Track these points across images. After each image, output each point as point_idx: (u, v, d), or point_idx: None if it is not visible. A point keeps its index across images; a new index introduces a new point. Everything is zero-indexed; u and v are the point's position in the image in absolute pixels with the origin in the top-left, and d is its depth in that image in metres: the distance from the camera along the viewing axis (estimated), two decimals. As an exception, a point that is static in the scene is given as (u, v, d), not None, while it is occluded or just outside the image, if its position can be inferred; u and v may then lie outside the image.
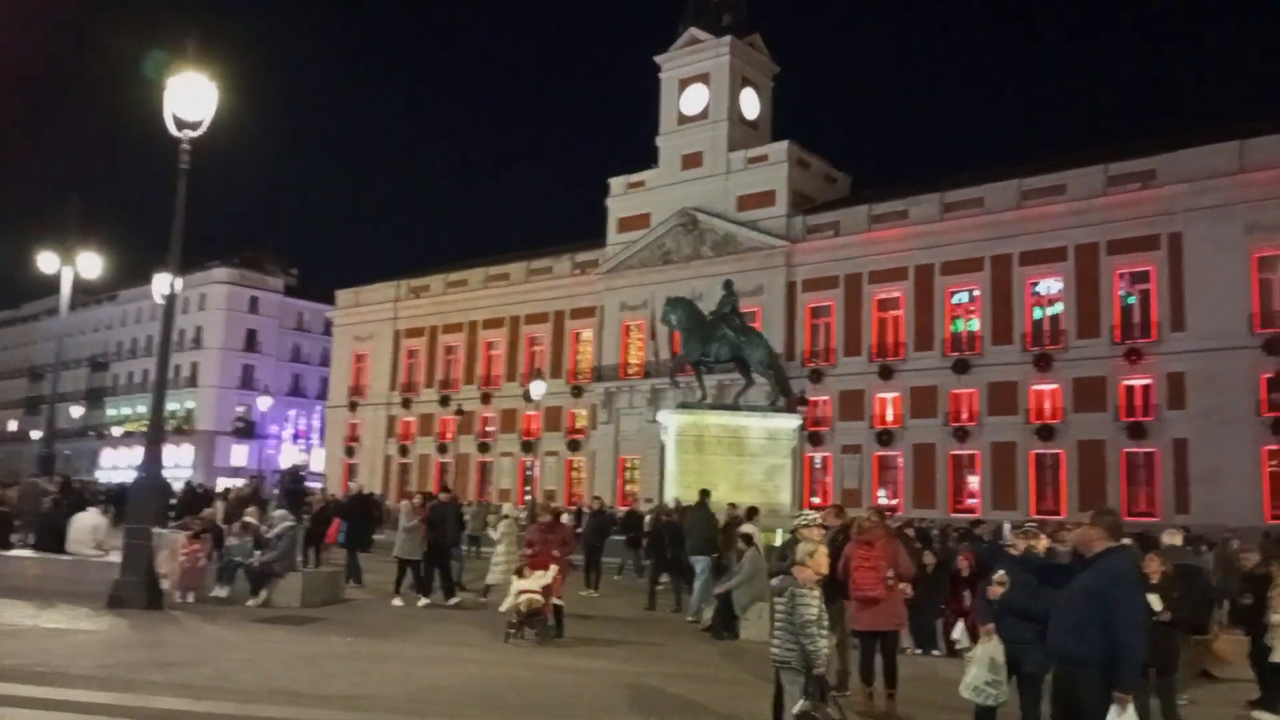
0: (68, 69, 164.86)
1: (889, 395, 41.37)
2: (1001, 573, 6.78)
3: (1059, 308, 38.17)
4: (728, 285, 29.07)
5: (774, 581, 7.75)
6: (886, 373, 41.07)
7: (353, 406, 59.26)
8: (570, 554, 12.72)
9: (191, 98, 12.71)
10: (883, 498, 39.55)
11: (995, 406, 38.53)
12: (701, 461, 26.37)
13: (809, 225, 44.28)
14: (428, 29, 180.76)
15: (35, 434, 74.82)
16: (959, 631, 11.76)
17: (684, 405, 28.57)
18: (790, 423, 27.19)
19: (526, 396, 48.21)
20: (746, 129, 48.19)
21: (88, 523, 14.98)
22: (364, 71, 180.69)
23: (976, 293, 39.94)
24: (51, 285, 36.58)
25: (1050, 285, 38.54)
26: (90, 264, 28.48)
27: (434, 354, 56.70)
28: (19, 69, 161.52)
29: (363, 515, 19.42)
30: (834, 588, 8.37)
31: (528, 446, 51.13)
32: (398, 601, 14.29)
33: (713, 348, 26.94)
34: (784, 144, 46.07)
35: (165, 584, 12.36)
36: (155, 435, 13.02)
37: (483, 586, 15.06)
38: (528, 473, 50.48)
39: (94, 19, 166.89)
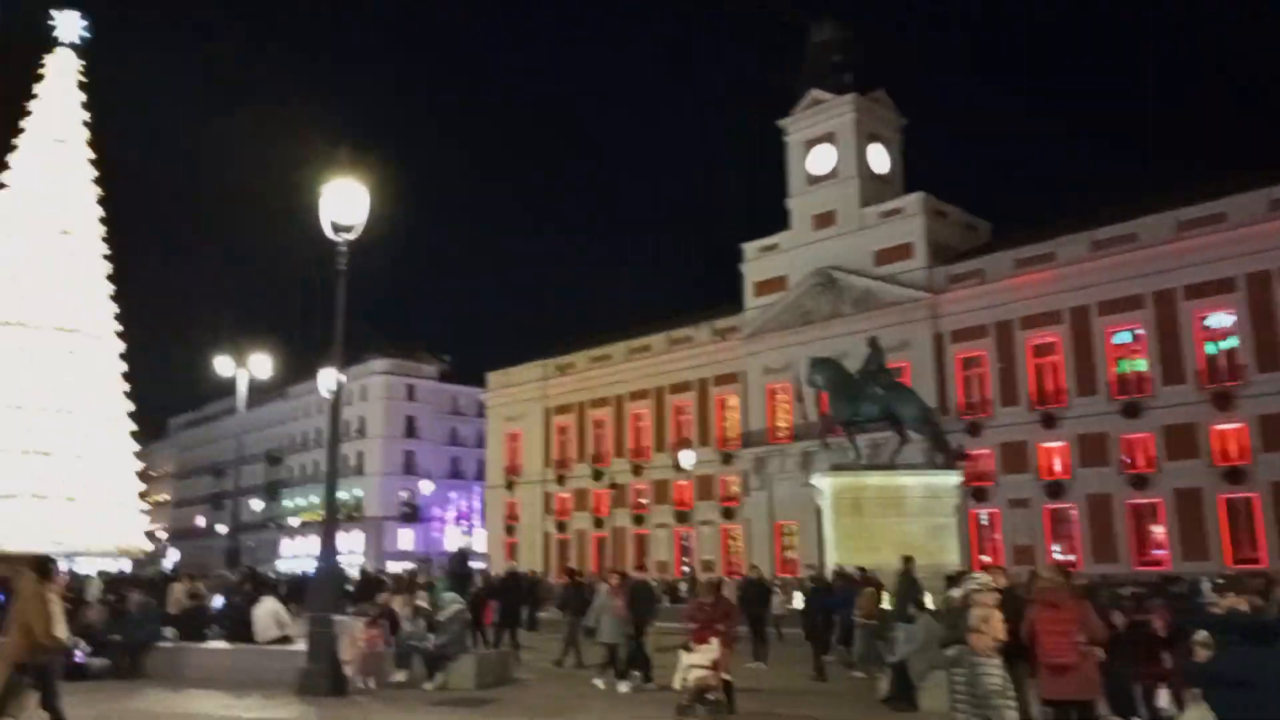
0: (231, 185, 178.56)
1: (1054, 444, 39.47)
2: (1204, 634, 6.30)
3: (1233, 341, 35.81)
4: (873, 342, 28.59)
5: (949, 652, 7.43)
6: (1050, 421, 39.27)
7: (510, 485, 60.65)
8: (735, 627, 12.49)
9: (345, 203, 13.55)
10: (1058, 553, 37.51)
11: (1174, 450, 36.19)
12: (860, 524, 25.72)
13: (952, 275, 43.22)
14: (552, 115, 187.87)
15: (220, 528, 79.67)
16: (1165, 699, 10.93)
17: (837, 467, 28.03)
18: (951, 479, 26.29)
19: (676, 466, 48.35)
20: (878, 184, 47.75)
21: (269, 611, 15.73)
22: (496, 162, 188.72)
23: (1140, 331, 37.94)
24: (228, 386, 39.31)
25: (1221, 318, 36.25)
26: (261, 365, 30.50)
27: (584, 429, 57.63)
28: (185, 189, 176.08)
29: (514, 594, 19.73)
30: (1012, 652, 7.94)
31: (682, 517, 51.03)
32: (598, 682, 13.92)
33: (863, 406, 26.46)
34: (918, 195, 45.38)
35: (347, 670, 12.81)
36: (330, 525, 13.66)
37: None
38: (684, 544, 50.28)
39: (253, 134, 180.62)
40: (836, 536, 25.82)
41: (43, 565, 9.23)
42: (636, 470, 53.86)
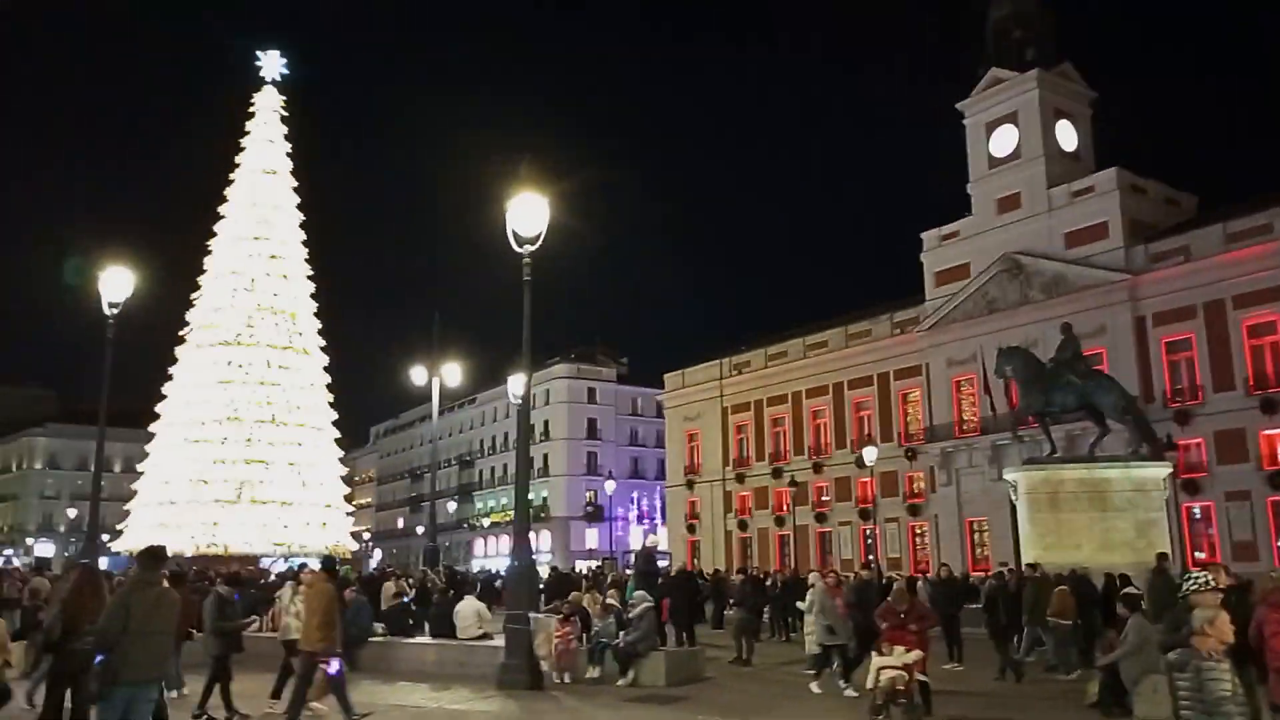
0: (418, 206, 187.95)
1: (1277, 431, 36.30)
2: None
3: None
4: (1066, 328, 27.14)
5: (1171, 656, 6.99)
6: (1270, 406, 36.14)
7: (690, 484, 61.13)
8: (928, 627, 12.17)
9: (528, 215, 14.08)
10: (1284, 550, 34.48)
11: None
12: (1058, 520, 24.49)
13: (1153, 254, 40.44)
14: (725, 112, 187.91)
15: (419, 529, 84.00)
16: None
17: (1031, 460, 26.76)
18: (1159, 471, 24.61)
19: (859, 463, 47.40)
20: (1066, 162, 45.25)
21: (471, 609, 16.50)
22: (668, 162, 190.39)
23: (1376, 304, 34.38)
24: (423, 395, 41.42)
25: None
26: (451, 374, 32.00)
27: (761, 427, 57.39)
28: (376, 210, 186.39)
29: (685, 592, 19.93)
30: (1238, 656, 7.39)
31: (865, 514, 50.02)
32: (815, 688, 13.37)
33: (1057, 397, 25.15)
34: (1112, 171, 42.68)
35: (544, 665, 13.29)
36: (523, 525, 14.20)
37: (808, 659, 14.82)
38: (868, 541, 49.28)
39: (435, 153, 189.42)
40: (1032, 533, 24.67)
41: (330, 565, 10.72)
42: (817, 468, 53.18)
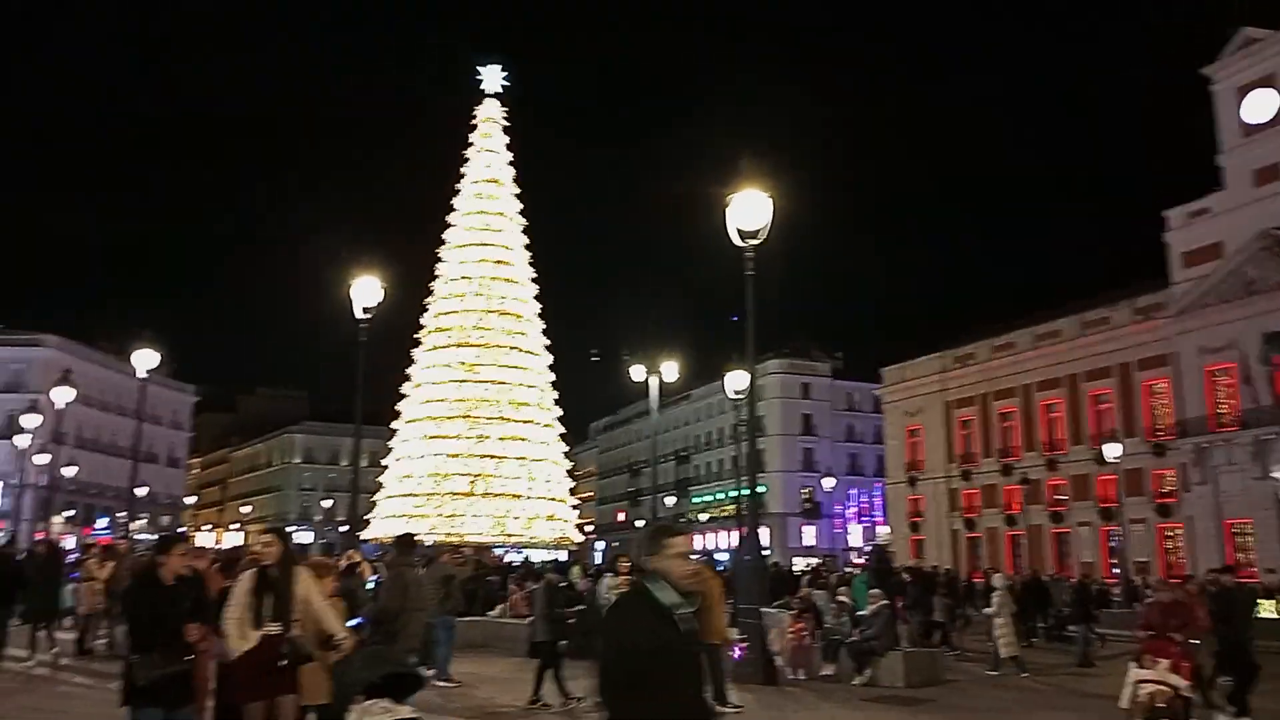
0: (636, 204, 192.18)
1: None
2: None
3: None
4: (1348, 310, 24.37)
5: None
6: None
7: (912, 481, 59.24)
8: (1198, 636, 11.05)
9: (751, 212, 14.05)
10: None
11: None
12: (1343, 522, 22.04)
13: None
14: (939, 92, 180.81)
15: (639, 523, 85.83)
16: None
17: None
18: None
19: (1098, 459, 44.35)
20: (1336, 124, 40.45)
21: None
22: (879, 152, 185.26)
23: None
24: (640, 391, 42.30)
25: None
26: (669, 370, 32.46)
27: (988, 422, 54.81)
28: (595, 211, 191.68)
29: (920, 591, 19.40)
30: None
31: (1107, 514, 46.73)
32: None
33: (1339, 386, 22.64)
34: (1399, 130, 37.82)
35: (778, 660, 13.23)
36: (753, 519, 14.19)
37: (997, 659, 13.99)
38: (1111, 544, 46.06)
39: (657, 149, 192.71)
40: (1312, 537, 22.33)
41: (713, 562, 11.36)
42: (1051, 465, 50.20)
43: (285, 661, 6.29)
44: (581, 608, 12.81)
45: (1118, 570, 42.14)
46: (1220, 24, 44.63)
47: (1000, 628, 15.29)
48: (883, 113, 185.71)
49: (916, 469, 59.16)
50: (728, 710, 10.55)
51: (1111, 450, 38.34)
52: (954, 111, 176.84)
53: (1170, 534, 44.78)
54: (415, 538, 11.02)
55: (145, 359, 22.03)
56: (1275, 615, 23.34)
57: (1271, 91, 41.82)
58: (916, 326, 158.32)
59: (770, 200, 14.14)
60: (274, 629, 6.30)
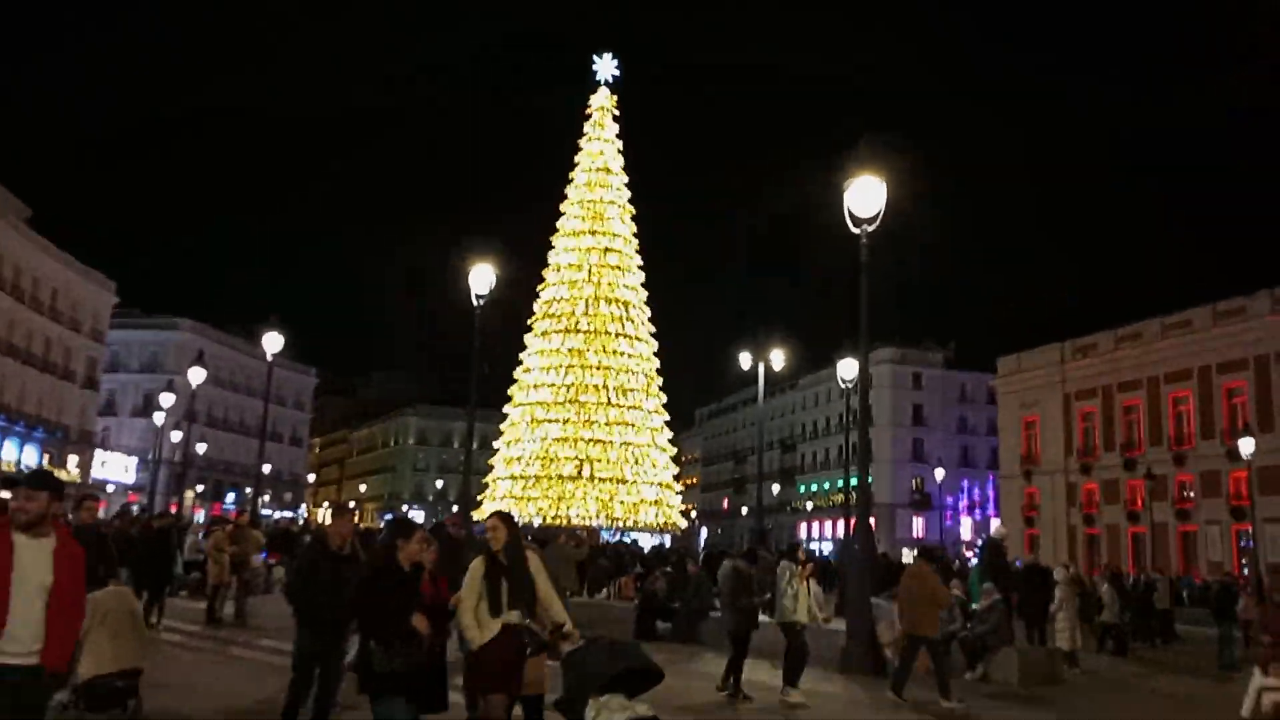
0: (753, 182, 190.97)
1: None
2: None
3: None
4: None
5: None
6: None
7: (1027, 475, 57.44)
8: None
9: (866, 197, 13.81)
10: None
11: None
12: None
13: None
14: (1062, 78, 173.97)
15: (742, 509, 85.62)
16: None
17: None
18: None
19: (1230, 455, 42.17)
20: None
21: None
22: (992, 137, 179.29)
23: None
24: (746, 378, 42.08)
25: None
26: (777, 359, 32.19)
27: (1110, 415, 52.69)
28: (703, 186, 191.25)
29: (1036, 588, 18.74)
30: None
31: (1239, 513, 44.44)
32: None
33: None
34: None
35: (886, 652, 13.02)
36: (864, 510, 13.99)
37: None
38: (1242, 544, 43.80)
39: (771, 132, 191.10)
40: None
41: (930, 553, 12.72)
42: (1178, 460, 47.97)
43: (529, 651, 6.02)
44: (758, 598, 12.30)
45: (1247, 572, 40.07)
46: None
47: (1061, 621, 15.05)
48: (997, 94, 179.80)
49: (1032, 462, 57.33)
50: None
51: (1245, 445, 36.40)
52: (1080, 94, 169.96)
53: (1309, 535, 42.29)
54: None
55: (272, 342, 22.96)
56: None
57: None
58: (1031, 318, 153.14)
59: (885, 185, 13.89)
60: (513, 617, 5.99)
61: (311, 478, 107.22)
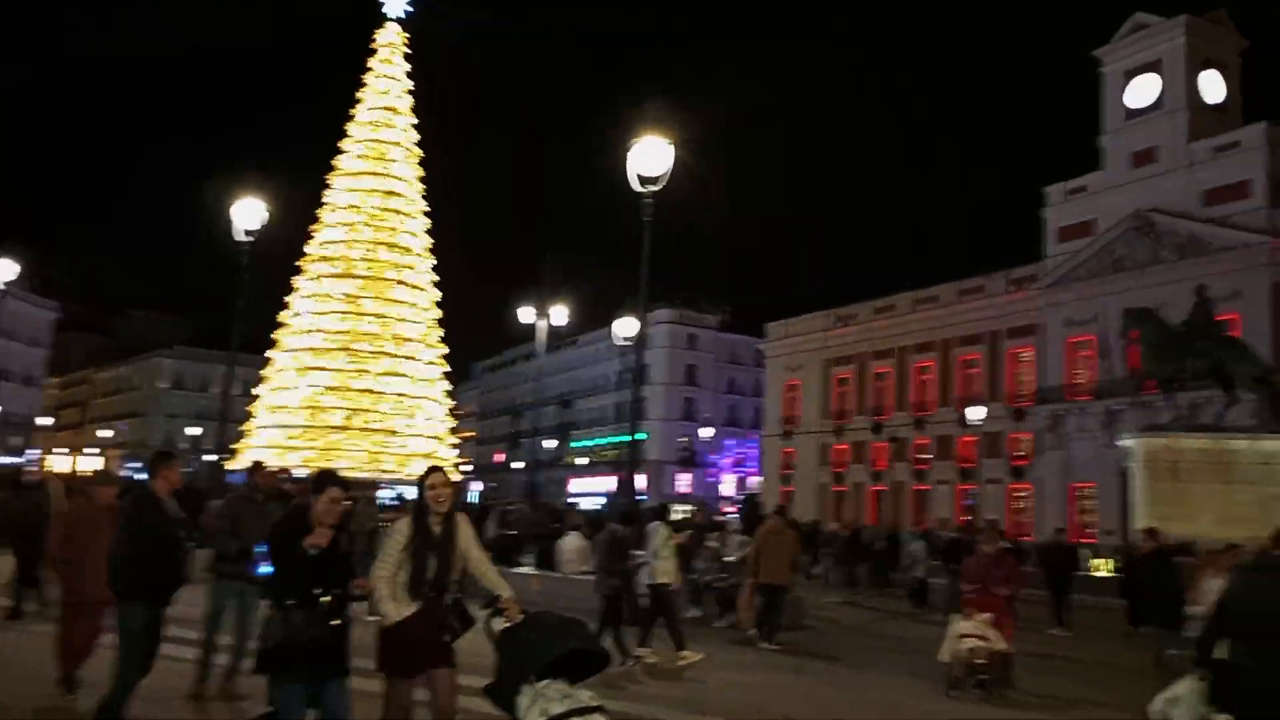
0: (541, 139, 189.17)
1: None
2: None
3: None
4: (1200, 291, 26.02)
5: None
6: None
7: (787, 435, 60.85)
8: (1018, 589, 11.33)
9: (651, 158, 14.00)
10: None
11: None
12: (1177, 490, 23.73)
13: (1298, 215, 38.06)
14: (848, 56, 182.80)
15: (516, 465, 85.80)
16: None
17: (1151, 427, 25.94)
18: (1294, 446, 23.49)
19: (962, 422, 46.40)
20: (1209, 115, 42.69)
21: (574, 545, 16.81)
22: (785, 100, 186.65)
23: None
24: (528, 333, 42.03)
25: None
26: (559, 314, 32.35)
27: (864, 381, 56.60)
28: (498, 142, 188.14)
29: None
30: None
31: (966, 474, 49.07)
32: None
33: (1188, 362, 24.24)
34: (1260, 126, 40.09)
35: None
36: (632, 465, 14.35)
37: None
38: (966, 502, 48.40)
39: (559, 90, 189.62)
40: (1147, 503, 23.94)
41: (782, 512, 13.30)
42: (918, 425, 52.29)
43: (449, 635, 5.28)
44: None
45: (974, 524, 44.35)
46: (1115, 8, 46.42)
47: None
48: (783, 71, 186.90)
49: (793, 423, 60.76)
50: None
51: (974, 413, 40.06)
52: (853, 73, 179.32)
53: (1020, 495, 47.29)
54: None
55: (3, 269, 20.69)
56: (1108, 575, 24.95)
57: (1155, 77, 43.78)
58: (807, 285, 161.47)
59: (671, 148, 14.12)
60: (434, 595, 5.27)
61: (48, 421, 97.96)
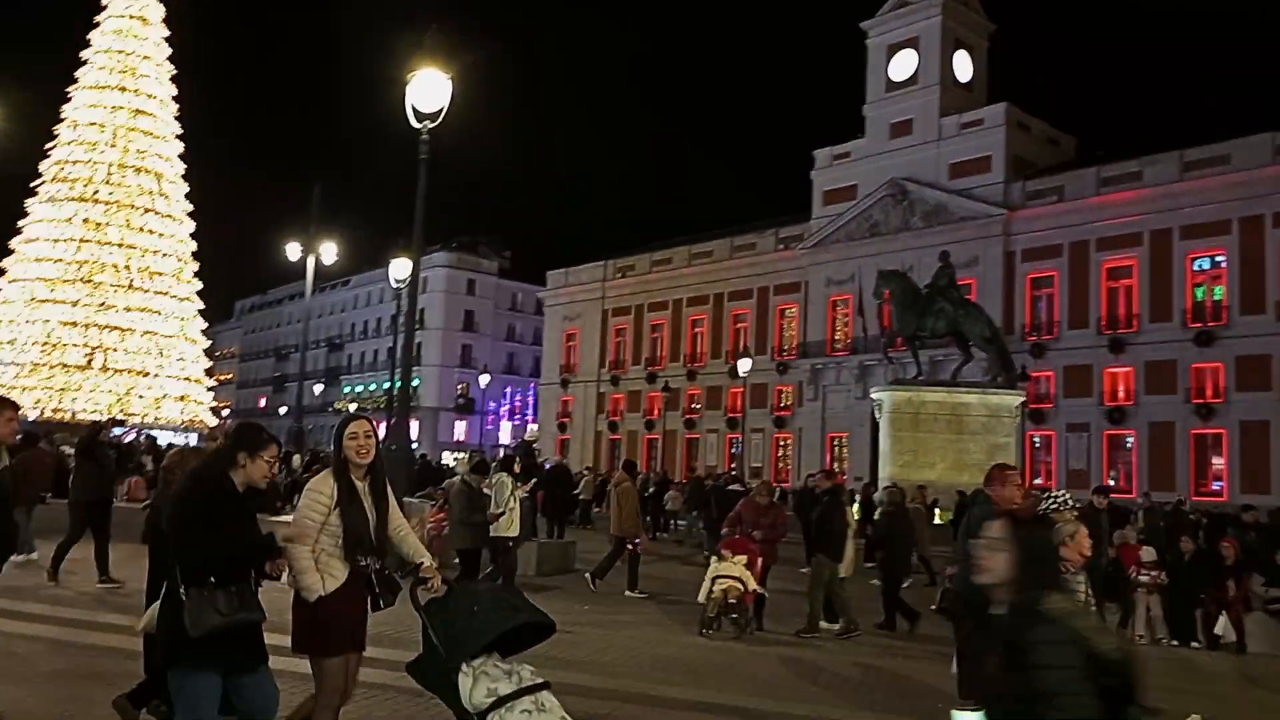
0: (312, 68, 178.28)
1: (1120, 370, 38.76)
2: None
3: (1321, 272, 34.52)
4: (944, 256, 28.17)
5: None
6: (1118, 346, 38.47)
7: (564, 384, 61.35)
8: (779, 538, 12.02)
9: (430, 92, 13.43)
10: (1113, 479, 37.20)
11: (1245, 381, 35.35)
12: (917, 440, 25.79)
13: (1029, 191, 41.97)
14: (631, 9, 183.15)
15: (282, 410, 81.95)
16: (1222, 625, 10.93)
17: (897, 381, 27.96)
18: (1013, 399, 26.10)
19: (732, 373, 48.41)
20: (960, 93, 46.12)
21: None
22: (568, 52, 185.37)
23: (1222, 259, 36.71)
24: (295, 272, 39.89)
25: (1311, 248, 34.90)
26: (328, 252, 30.83)
27: (640, 332, 57.79)
28: (266, 69, 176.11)
29: (560, 486, 21.18)
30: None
31: (733, 424, 51.35)
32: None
33: (928, 321, 26.23)
34: (1001, 106, 43.79)
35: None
36: (403, 410, 13.95)
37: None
38: (734, 450, 50.72)
39: (336, 20, 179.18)
40: (891, 451, 25.92)
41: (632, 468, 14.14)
42: (691, 376, 54.08)
43: (380, 604, 4.70)
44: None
45: (735, 473, 46.58)
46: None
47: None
48: (571, 16, 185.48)
49: (570, 372, 61.32)
50: None
51: (743, 365, 41.84)
52: (639, 26, 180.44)
53: (783, 443, 50.09)
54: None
55: None
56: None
57: (913, 53, 46.65)
58: (587, 235, 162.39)
59: (451, 82, 13.61)
60: (366, 561, 4.64)
61: None
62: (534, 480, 15.66)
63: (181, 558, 4.22)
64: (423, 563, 4.75)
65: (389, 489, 4.92)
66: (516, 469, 12.54)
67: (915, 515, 16.85)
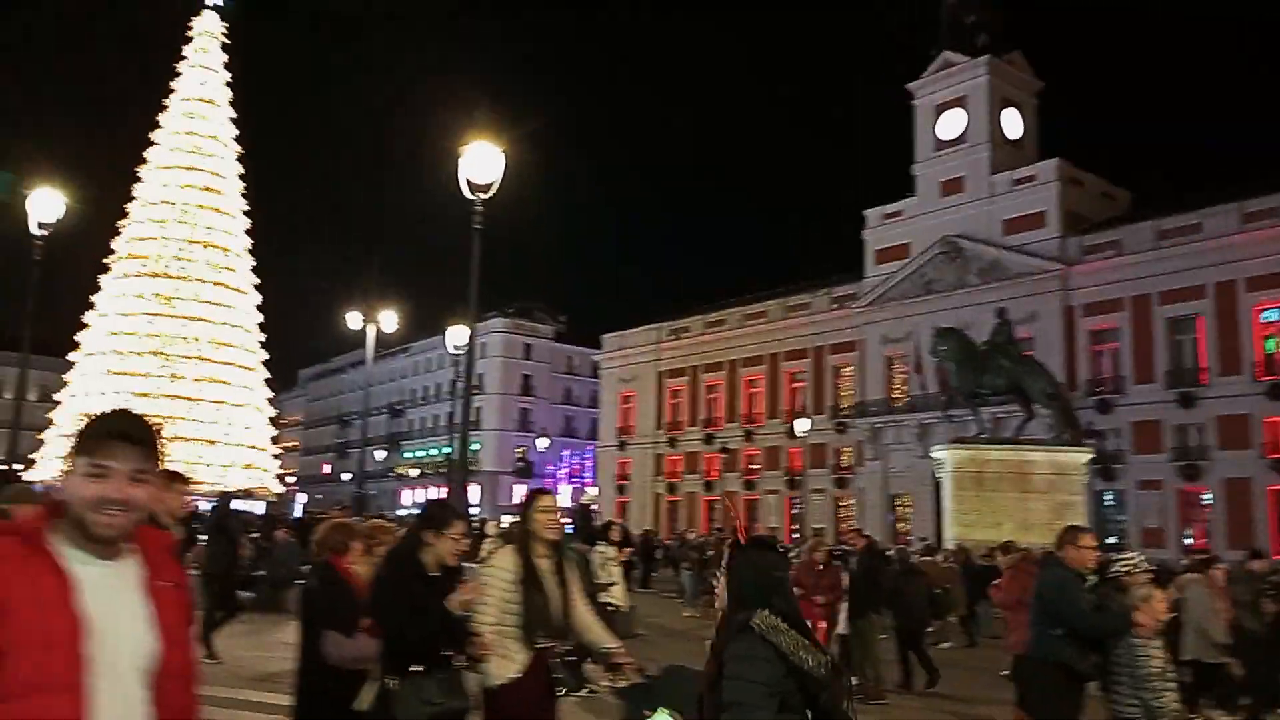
0: (364, 144, 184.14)
1: (1190, 424, 37.73)
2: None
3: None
4: (1001, 313, 27.87)
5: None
6: (1187, 400, 37.51)
7: (621, 446, 61.39)
8: (839, 599, 11.84)
9: (482, 164, 13.83)
10: (1189, 538, 36.01)
11: (1323, 435, 34.22)
12: (982, 499, 25.26)
13: (1086, 246, 41.50)
14: (676, 77, 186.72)
15: (345, 475, 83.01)
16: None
17: (959, 439, 27.50)
18: (1080, 456, 25.50)
19: (789, 433, 48.08)
20: (1010, 150, 46.04)
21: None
22: (620, 119, 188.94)
23: (1292, 310, 35.82)
24: (355, 340, 40.75)
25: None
26: (388, 320, 31.51)
27: (696, 393, 57.79)
28: (320, 147, 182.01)
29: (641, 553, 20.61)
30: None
31: (793, 484, 50.83)
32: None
33: (988, 379, 25.86)
34: (1053, 162, 43.58)
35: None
36: (462, 474, 14.12)
37: None
38: (794, 511, 50.13)
39: (391, 97, 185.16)
40: (956, 510, 25.41)
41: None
42: (748, 436, 53.80)
43: (563, 690, 4.47)
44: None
45: (797, 535, 46.02)
46: (926, 47, 49.36)
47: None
48: (629, 86, 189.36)
49: (627, 434, 61.38)
50: None
51: (801, 425, 41.60)
52: (698, 90, 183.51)
53: (844, 504, 49.39)
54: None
55: None
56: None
57: (961, 112, 46.81)
58: (640, 298, 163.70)
59: (503, 154, 14.00)
60: (548, 644, 4.41)
61: None
62: (630, 549, 15.34)
63: (388, 644, 4.08)
64: (610, 650, 4.38)
65: (572, 570, 4.70)
66: (615, 537, 12.18)
67: (946, 574, 16.64)
